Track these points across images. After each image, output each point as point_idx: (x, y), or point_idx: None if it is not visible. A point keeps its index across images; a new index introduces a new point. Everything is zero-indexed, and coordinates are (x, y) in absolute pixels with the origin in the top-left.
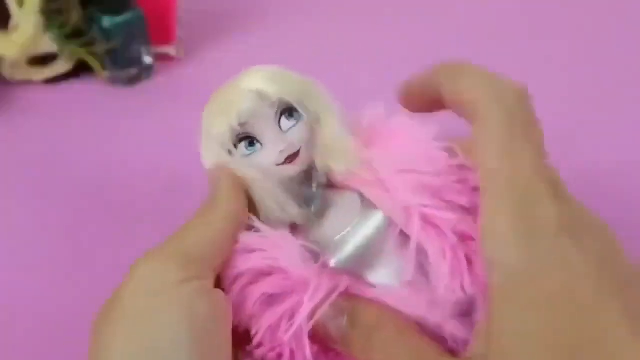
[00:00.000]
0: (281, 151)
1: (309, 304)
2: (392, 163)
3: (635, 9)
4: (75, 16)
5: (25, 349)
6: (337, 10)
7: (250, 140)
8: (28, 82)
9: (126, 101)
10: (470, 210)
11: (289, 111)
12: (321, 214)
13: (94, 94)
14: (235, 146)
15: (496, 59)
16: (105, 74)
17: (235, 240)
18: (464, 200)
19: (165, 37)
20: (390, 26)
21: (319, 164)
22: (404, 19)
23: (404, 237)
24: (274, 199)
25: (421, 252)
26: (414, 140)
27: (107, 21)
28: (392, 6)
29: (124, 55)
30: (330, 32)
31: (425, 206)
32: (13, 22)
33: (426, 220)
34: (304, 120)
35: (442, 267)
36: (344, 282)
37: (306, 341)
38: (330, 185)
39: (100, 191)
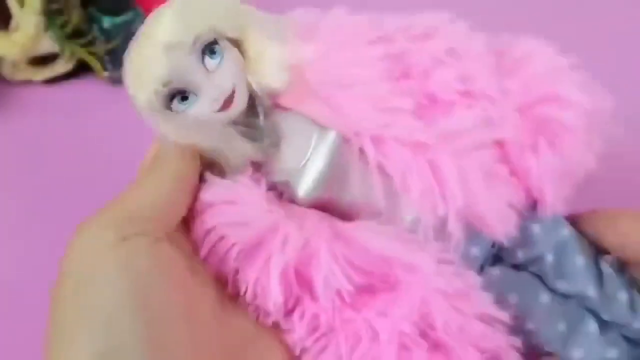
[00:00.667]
0: (215, 100)
1: (279, 257)
2: (331, 76)
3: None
4: (75, 16)
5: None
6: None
7: (182, 95)
8: (28, 82)
9: (126, 101)
10: (418, 111)
11: (209, 48)
12: (276, 143)
13: (94, 94)
14: (170, 107)
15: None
16: (106, 74)
17: (189, 197)
18: (408, 103)
19: None
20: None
21: (256, 87)
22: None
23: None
24: (225, 146)
25: (385, 174)
26: (350, 36)
27: (107, 21)
28: (391, 5)
29: (124, 56)
30: None
31: (374, 128)
32: (14, 22)
33: (379, 141)
34: (229, 51)
35: (411, 192)
36: (313, 225)
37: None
38: (277, 106)
39: (100, 191)
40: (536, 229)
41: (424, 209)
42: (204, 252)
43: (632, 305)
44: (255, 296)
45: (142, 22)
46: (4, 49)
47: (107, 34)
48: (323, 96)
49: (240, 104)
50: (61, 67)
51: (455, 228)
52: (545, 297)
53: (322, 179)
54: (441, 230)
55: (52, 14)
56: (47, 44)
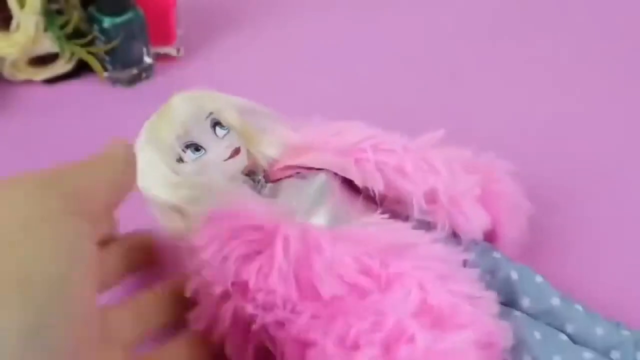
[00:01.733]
0: (226, 147)
1: (281, 255)
2: (321, 134)
3: (635, 6)
4: (75, 16)
5: None
6: (335, 9)
7: (195, 147)
8: (28, 82)
9: (126, 101)
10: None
11: (219, 123)
12: (275, 195)
13: (94, 94)
14: (182, 158)
15: (494, 54)
16: (106, 74)
17: (119, 198)
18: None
19: (166, 37)
20: (390, 25)
21: (257, 155)
22: (402, 15)
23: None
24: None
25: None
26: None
27: (107, 21)
28: (391, 4)
29: (124, 56)
30: (329, 31)
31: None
32: (14, 22)
33: (361, 163)
34: (233, 130)
35: (405, 166)
36: (310, 227)
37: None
38: (274, 181)
39: None
40: (472, 256)
41: (416, 183)
42: (207, 255)
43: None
44: (257, 292)
45: (142, 23)
46: (4, 49)
47: (107, 34)
48: (314, 147)
49: (244, 158)
50: (61, 67)
51: (443, 200)
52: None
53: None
54: (427, 222)
55: (52, 14)
56: (47, 44)
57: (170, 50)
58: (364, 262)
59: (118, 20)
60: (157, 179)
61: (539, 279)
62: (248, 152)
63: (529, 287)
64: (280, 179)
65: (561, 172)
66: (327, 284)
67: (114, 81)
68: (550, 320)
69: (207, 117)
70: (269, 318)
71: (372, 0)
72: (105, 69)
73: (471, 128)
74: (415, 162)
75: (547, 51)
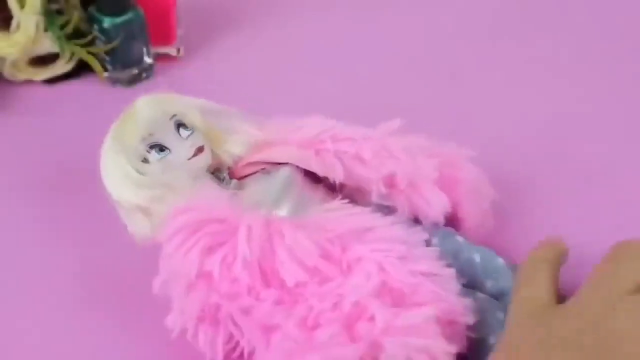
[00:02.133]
0: (189, 146)
1: (244, 245)
2: (283, 130)
3: (635, 6)
4: (75, 17)
5: None
6: (335, 9)
7: (159, 148)
8: (29, 82)
9: (126, 101)
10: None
11: (183, 125)
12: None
13: (95, 94)
14: (148, 159)
15: (494, 54)
16: (106, 74)
17: None
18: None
19: (166, 37)
20: (390, 25)
21: (222, 154)
22: (402, 15)
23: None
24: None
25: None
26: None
27: (107, 21)
28: (391, 4)
29: (124, 56)
30: (329, 31)
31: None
32: (14, 22)
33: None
34: (197, 131)
35: (364, 152)
36: (273, 218)
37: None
38: (240, 178)
39: (101, 190)
40: (434, 240)
41: (375, 169)
42: (169, 249)
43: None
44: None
45: (143, 23)
46: (4, 49)
47: (108, 34)
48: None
49: (208, 156)
50: (61, 67)
51: (402, 184)
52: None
53: (280, 198)
54: (387, 207)
55: (52, 14)
56: (48, 44)
57: (170, 50)
58: (325, 247)
59: (118, 20)
60: (122, 180)
61: (501, 261)
62: (213, 151)
63: (491, 270)
64: (246, 175)
65: (561, 172)
66: (290, 271)
67: (114, 81)
68: (509, 300)
69: (171, 118)
70: (234, 306)
71: (372, 0)
72: (105, 69)
73: (471, 128)
74: (374, 150)
75: (547, 51)
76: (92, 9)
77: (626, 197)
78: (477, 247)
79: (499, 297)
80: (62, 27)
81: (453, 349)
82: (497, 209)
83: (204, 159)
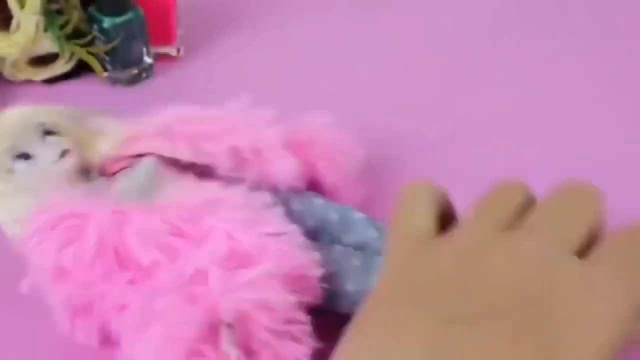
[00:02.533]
0: (55, 150)
1: (93, 230)
2: (144, 124)
3: (635, 6)
4: (75, 17)
5: None
6: (335, 9)
7: (25, 157)
8: (29, 82)
9: (126, 101)
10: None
11: (49, 132)
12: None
13: (94, 94)
14: (14, 168)
15: (494, 54)
16: (106, 74)
17: None
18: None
19: (166, 37)
20: (390, 25)
21: (91, 155)
22: (402, 15)
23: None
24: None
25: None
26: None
27: (107, 21)
28: (391, 4)
29: (124, 56)
30: (329, 31)
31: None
32: (14, 22)
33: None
34: (64, 136)
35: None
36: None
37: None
38: (110, 175)
39: None
40: (295, 205)
41: (220, 143)
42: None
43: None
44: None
45: (142, 23)
46: (4, 49)
47: (107, 34)
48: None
49: (75, 159)
50: (61, 67)
51: (248, 154)
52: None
53: (135, 189)
54: (239, 178)
55: (52, 14)
56: (47, 44)
57: (170, 50)
58: (177, 224)
59: (118, 20)
60: None
61: (359, 215)
62: (83, 153)
63: (350, 224)
64: (115, 172)
65: (561, 172)
66: (142, 252)
67: (114, 81)
68: (371, 249)
69: (36, 127)
70: (93, 294)
71: (372, 0)
72: (105, 69)
73: (471, 128)
74: (220, 125)
75: (547, 51)
76: (92, 9)
77: (626, 190)
78: (336, 206)
79: (360, 248)
80: (62, 27)
81: (294, 299)
82: None
83: (71, 162)
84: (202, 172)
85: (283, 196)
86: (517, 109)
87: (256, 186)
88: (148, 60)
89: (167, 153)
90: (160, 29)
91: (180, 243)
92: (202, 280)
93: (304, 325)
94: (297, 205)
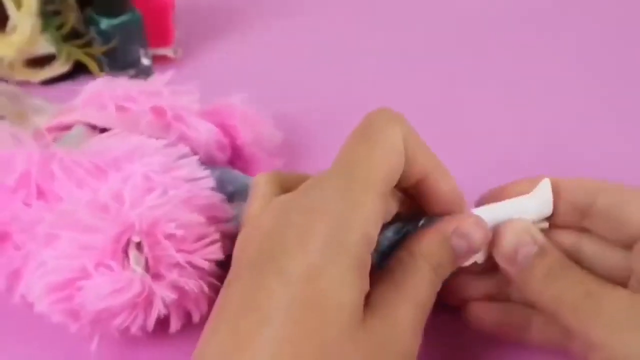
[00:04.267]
0: None
1: (20, 162)
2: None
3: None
4: (72, 18)
5: None
6: (335, 9)
7: None
8: (26, 83)
9: None
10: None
11: None
12: None
13: None
14: None
15: (493, 57)
16: (103, 75)
17: None
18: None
19: (163, 38)
20: (390, 24)
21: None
22: (402, 15)
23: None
24: None
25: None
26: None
27: (104, 23)
28: (391, 4)
29: (121, 57)
30: (328, 31)
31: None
32: (10, 23)
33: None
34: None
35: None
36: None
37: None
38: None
39: None
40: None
41: (142, 104)
42: None
43: None
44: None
45: (140, 24)
46: (0, 50)
47: (105, 36)
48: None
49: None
50: (58, 68)
51: (169, 115)
52: None
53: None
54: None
55: (49, 15)
56: (44, 46)
57: (167, 51)
58: (100, 167)
59: (115, 21)
60: None
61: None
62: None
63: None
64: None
65: (561, 172)
66: (65, 187)
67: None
68: None
69: None
70: (6, 216)
71: (372, 1)
72: (103, 71)
73: (471, 128)
74: (141, 89)
75: (548, 52)
76: (89, 10)
77: None
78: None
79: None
80: (59, 28)
81: (204, 220)
82: None
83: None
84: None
85: (205, 167)
86: (517, 109)
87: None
88: (145, 61)
89: (96, 121)
90: (157, 31)
91: (102, 184)
92: (117, 200)
93: (214, 245)
94: (216, 173)
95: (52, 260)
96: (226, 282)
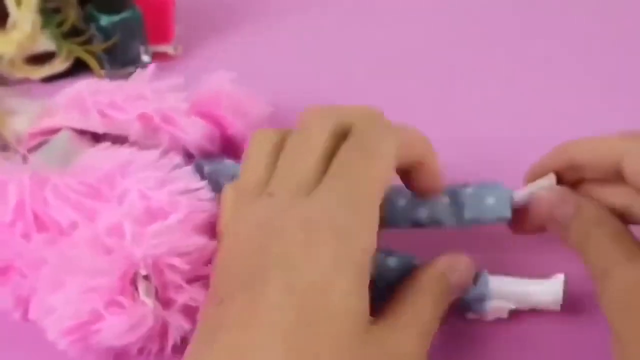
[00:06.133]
0: None
1: (13, 193)
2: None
3: (634, 7)
4: (72, 15)
5: None
6: (334, 8)
7: None
8: (26, 81)
9: None
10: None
11: None
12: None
13: None
14: None
15: (494, 53)
16: (103, 72)
17: None
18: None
19: (163, 35)
20: (390, 24)
21: (8, 133)
22: (402, 14)
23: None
24: None
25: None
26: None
27: (104, 20)
28: (391, 3)
29: (121, 54)
30: (328, 30)
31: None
32: (10, 20)
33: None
34: None
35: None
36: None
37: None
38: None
39: None
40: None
41: (128, 111)
42: None
43: None
44: None
45: (140, 21)
46: (1, 48)
47: (105, 32)
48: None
49: None
50: (58, 65)
51: (157, 120)
52: None
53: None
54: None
55: (49, 12)
56: (44, 43)
57: (168, 48)
58: (94, 186)
59: (116, 18)
60: None
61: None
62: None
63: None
64: (32, 148)
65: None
66: (61, 212)
67: (112, 80)
68: None
69: None
70: (9, 253)
71: (374, 3)
72: (103, 68)
73: (471, 128)
74: (126, 94)
75: (548, 51)
76: (89, 7)
77: None
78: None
79: None
80: (59, 25)
81: (207, 241)
82: None
83: None
84: (116, 141)
85: (197, 162)
86: (517, 109)
87: (169, 152)
88: (146, 58)
89: (81, 125)
90: (158, 27)
91: (98, 203)
92: (117, 233)
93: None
94: (209, 166)
95: (62, 306)
96: (211, 299)
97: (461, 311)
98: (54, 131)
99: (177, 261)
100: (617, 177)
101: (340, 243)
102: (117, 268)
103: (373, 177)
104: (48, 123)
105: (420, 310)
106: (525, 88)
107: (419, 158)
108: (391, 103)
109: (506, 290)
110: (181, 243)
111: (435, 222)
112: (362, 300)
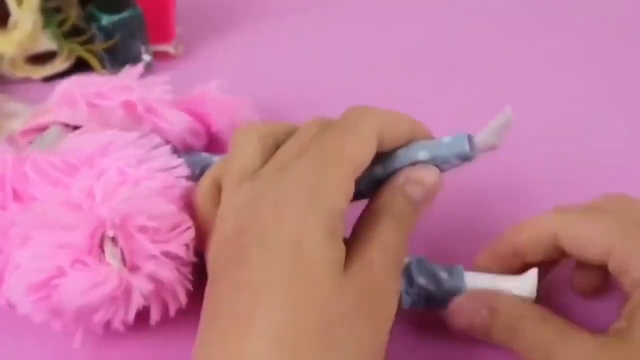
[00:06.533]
0: None
1: None
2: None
3: (634, 7)
4: (73, 14)
5: None
6: (334, 8)
7: None
8: (27, 80)
9: None
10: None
11: None
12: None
13: None
14: None
15: (494, 53)
16: (104, 72)
17: None
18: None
19: (164, 35)
20: (390, 24)
21: (5, 132)
22: (402, 13)
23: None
24: None
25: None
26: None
27: (105, 19)
28: (391, 3)
29: (122, 54)
30: (328, 30)
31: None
32: (12, 20)
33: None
34: None
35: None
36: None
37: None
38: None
39: None
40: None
41: (113, 99)
42: None
43: None
44: None
45: (141, 20)
46: (1, 47)
47: (106, 32)
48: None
49: None
50: (59, 65)
51: (140, 109)
52: None
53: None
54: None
55: (50, 11)
56: (45, 42)
57: (168, 48)
58: (74, 165)
59: (116, 17)
60: None
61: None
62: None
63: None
64: (26, 144)
65: (562, 171)
66: (39, 187)
67: None
68: None
69: None
70: None
71: (373, 3)
72: (104, 67)
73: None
74: (112, 85)
75: (548, 51)
76: (90, 7)
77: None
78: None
79: None
80: (60, 24)
81: (178, 209)
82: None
83: None
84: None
85: (173, 151)
86: (517, 109)
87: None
88: (147, 58)
89: (69, 120)
90: (158, 27)
91: (69, 181)
92: (89, 195)
93: (189, 231)
94: (185, 157)
95: (28, 262)
96: (209, 281)
97: (436, 307)
98: (46, 128)
99: (145, 221)
100: (560, 253)
101: (308, 200)
102: (84, 225)
103: (347, 149)
104: (39, 121)
105: (381, 239)
106: (525, 88)
107: (408, 135)
108: (391, 102)
109: (481, 285)
110: (151, 207)
111: (392, 171)
112: (337, 249)
